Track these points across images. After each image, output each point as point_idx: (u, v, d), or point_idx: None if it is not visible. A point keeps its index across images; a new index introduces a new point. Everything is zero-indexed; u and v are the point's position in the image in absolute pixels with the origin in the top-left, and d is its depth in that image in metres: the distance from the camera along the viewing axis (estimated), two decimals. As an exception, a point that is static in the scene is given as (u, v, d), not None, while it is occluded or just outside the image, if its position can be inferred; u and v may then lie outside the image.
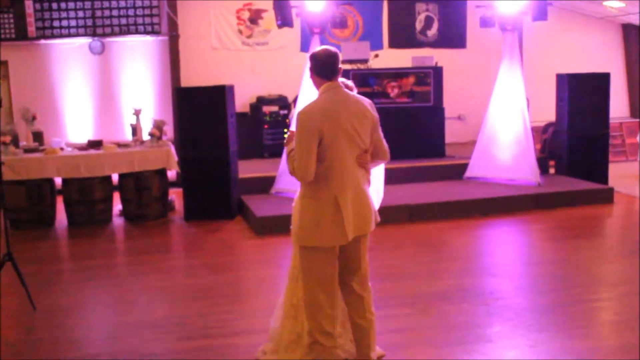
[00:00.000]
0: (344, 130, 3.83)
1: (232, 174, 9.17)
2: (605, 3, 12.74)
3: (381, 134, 4.07)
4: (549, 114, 11.57)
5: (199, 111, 9.02)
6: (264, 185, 9.71)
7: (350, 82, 4.25)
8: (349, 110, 3.88)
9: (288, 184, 8.96)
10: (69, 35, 11.42)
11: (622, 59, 14.56)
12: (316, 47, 10.32)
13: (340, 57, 4.02)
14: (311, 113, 3.84)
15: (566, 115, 10.48)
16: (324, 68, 3.93)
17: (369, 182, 4.07)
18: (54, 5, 11.27)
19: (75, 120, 11.71)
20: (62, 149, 9.36)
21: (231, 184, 9.15)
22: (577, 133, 10.43)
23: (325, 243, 3.88)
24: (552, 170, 11.00)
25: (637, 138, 12.14)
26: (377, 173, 4.47)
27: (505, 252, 7.72)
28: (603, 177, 10.38)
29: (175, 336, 5.17)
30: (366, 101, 4.01)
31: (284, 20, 9.31)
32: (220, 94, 9.02)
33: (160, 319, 5.55)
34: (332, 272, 3.99)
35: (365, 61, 11.23)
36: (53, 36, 11.35)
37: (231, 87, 9.28)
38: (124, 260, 7.73)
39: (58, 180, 9.26)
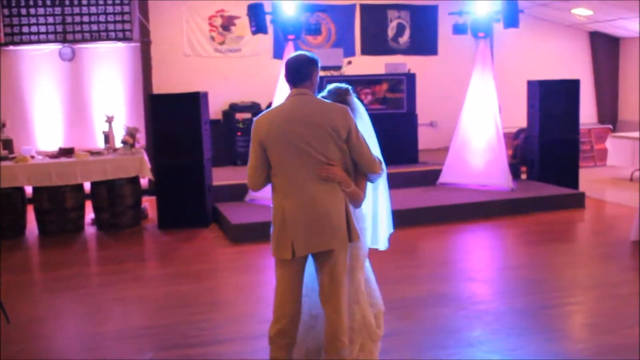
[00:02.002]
0: (290, 141, 3.66)
1: (206, 182, 9.11)
2: (573, 11, 12.95)
3: (362, 145, 3.81)
4: (520, 120, 11.72)
5: (172, 118, 8.96)
6: (238, 192, 9.67)
7: (344, 86, 4.07)
8: (302, 119, 3.68)
9: (262, 192, 8.91)
10: (39, 42, 11.26)
11: (589, 67, 14.82)
12: (291, 53, 10.43)
13: (311, 63, 3.81)
14: (257, 122, 3.76)
15: (537, 121, 10.61)
16: (287, 74, 3.81)
17: (354, 196, 3.80)
18: (23, 11, 11.10)
19: (45, 128, 11.52)
20: (32, 157, 9.21)
21: (206, 191, 9.09)
22: (548, 139, 10.57)
23: (275, 254, 3.78)
24: (523, 176, 11.12)
25: (606, 144, 12.34)
26: (379, 189, 4.18)
27: (481, 256, 7.78)
28: (574, 182, 10.52)
29: (155, 346, 5.10)
30: (336, 110, 3.75)
31: (259, 27, 9.29)
32: (194, 101, 8.97)
33: (138, 329, 5.48)
34: (286, 282, 3.81)
35: (339, 68, 11.27)
36: (22, 42, 11.18)
37: (205, 94, 9.24)
38: (99, 270, 7.61)
39: (28, 189, 9.10)
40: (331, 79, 11.00)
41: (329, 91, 4.04)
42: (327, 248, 3.73)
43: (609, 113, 14.93)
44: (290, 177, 3.71)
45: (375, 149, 4.02)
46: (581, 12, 12.92)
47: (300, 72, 3.77)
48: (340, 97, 4.01)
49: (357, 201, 3.85)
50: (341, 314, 3.81)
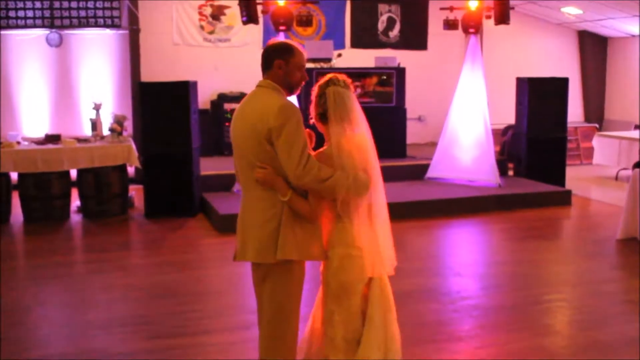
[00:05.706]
0: (234, 140, 3.39)
1: (194, 171, 9.05)
2: (563, 9, 12.99)
3: (284, 148, 3.18)
4: (508, 117, 11.74)
5: (161, 107, 8.90)
6: (225, 183, 9.62)
7: (328, 77, 3.50)
8: (242, 117, 3.34)
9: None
10: (26, 27, 11.11)
11: (577, 65, 14.89)
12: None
13: (275, 51, 3.36)
14: None
15: (525, 118, 10.63)
16: None
17: (294, 207, 3.27)
18: (11, -5, 10.95)
19: (31, 114, 11.39)
20: (18, 143, 9.10)
21: (193, 181, 9.03)
22: (535, 136, 10.60)
23: None
24: (510, 172, 11.16)
25: (592, 142, 12.41)
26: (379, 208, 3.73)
27: (469, 252, 7.79)
28: (560, 180, 10.57)
29: (142, 335, 5.06)
30: (270, 106, 3.23)
31: (250, 17, 9.24)
32: (183, 90, 8.91)
33: (125, 318, 5.44)
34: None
35: (329, 60, 11.22)
36: (9, 27, 11.02)
37: (194, 83, 9.17)
38: (85, 258, 7.55)
39: (14, 175, 9.00)
40: (320, 72, 10.97)
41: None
42: (243, 259, 3.40)
43: (595, 112, 15.02)
44: (239, 179, 3.49)
45: (367, 158, 3.55)
46: (571, 10, 12.97)
47: (263, 60, 3.39)
48: (321, 89, 3.48)
49: (302, 214, 3.29)
50: (271, 341, 3.39)
